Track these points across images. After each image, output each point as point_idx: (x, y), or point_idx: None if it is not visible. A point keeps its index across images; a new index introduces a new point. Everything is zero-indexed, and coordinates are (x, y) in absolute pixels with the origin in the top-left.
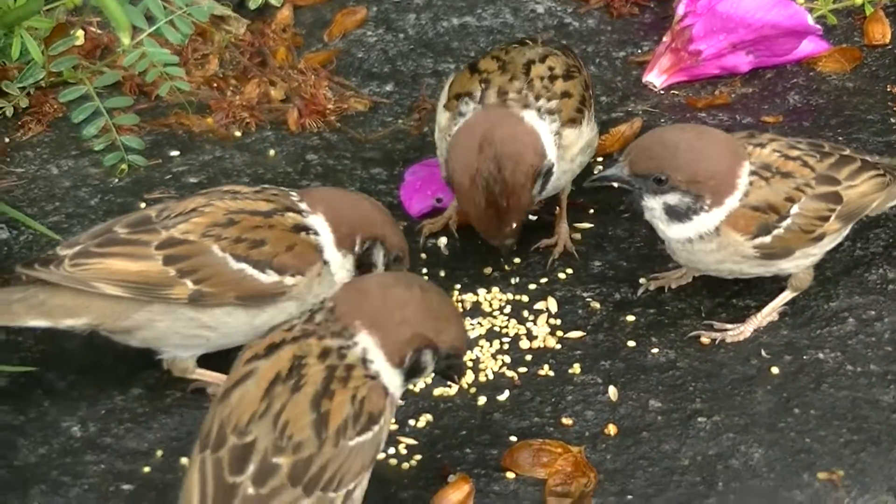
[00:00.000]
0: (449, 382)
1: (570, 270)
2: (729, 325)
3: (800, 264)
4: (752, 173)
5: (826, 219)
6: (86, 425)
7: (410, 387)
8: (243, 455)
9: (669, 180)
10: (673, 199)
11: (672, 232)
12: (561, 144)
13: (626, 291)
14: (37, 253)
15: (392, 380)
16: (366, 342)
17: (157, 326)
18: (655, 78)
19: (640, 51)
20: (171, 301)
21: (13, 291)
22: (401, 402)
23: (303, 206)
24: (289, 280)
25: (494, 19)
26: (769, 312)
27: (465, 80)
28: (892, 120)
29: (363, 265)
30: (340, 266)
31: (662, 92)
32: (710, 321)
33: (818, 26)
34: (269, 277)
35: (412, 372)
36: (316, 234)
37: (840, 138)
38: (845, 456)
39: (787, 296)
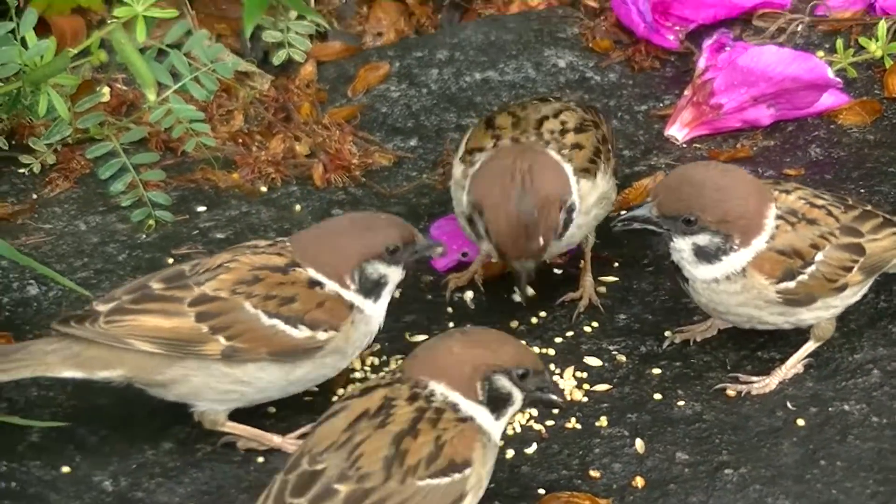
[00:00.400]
0: (551, 405)
1: (595, 324)
2: (754, 378)
3: (820, 315)
4: (779, 217)
5: (849, 269)
6: (117, 480)
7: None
8: (309, 481)
9: (699, 221)
10: (703, 239)
11: (700, 273)
12: (578, 194)
13: (651, 344)
14: (66, 308)
15: (484, 418)
16: (440, 388)
17: (192, 381)
18: (677, 131)
19: (661, 104)
20: (205, 357)
21: (48, 342)
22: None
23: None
24: (321, 335)
25: (517, 74)
26: (794, 364)
27: (479, 135)
28: None
29: (366, 286)
30: (361, 302)
31: (685, 145)
32: (735, 374)
33: (838, 79)
34: (302, 333)
35: (498, 403)
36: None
37: (862, 191)
38: None
39: (810, 346)
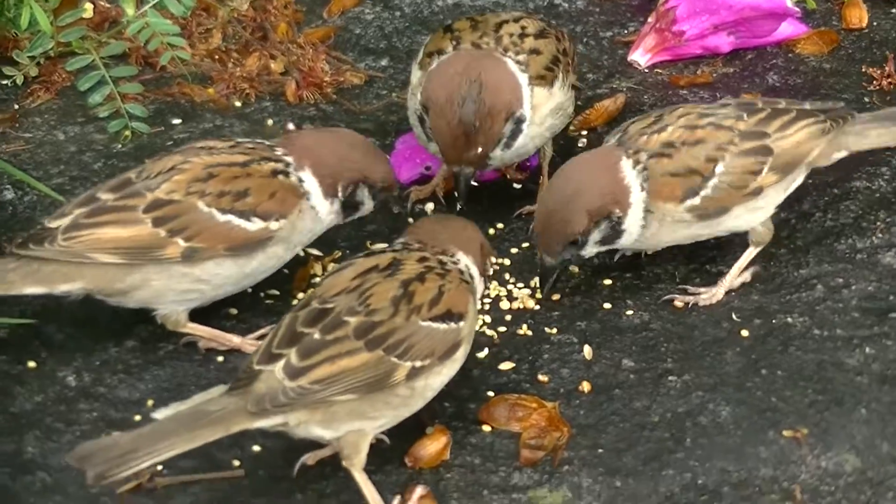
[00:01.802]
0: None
1: None
2: (702, 289)
3: (750, 220)
4: (652, 156)
5: (758, 172)
6: (80, 375)
7: None
8: (319, 315)
9: (579, 235)
10: (596, 236)
11: (625, 242)
12: (532, 104)
13: (603, 256)
14: (40, 214)
15: (479, 286)
16: (464, 259)
17: (153, 285)
18: (640, 57)
19: (626, 31)
20: (165, 261)
21: (7, 262)
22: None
23: (289, 159)
24: (273, 224)
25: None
26: (738, 272)
27: (438, 39)
28: (866, 99)
29: (349, 206)
30: (328, 212)
31: (647, 70)
32: (683, 286)
33: (797, 9)
34: (255, 225)
35: (487, 277)
36: (300, 180)
37: None
38: (810, 415)
39: (751, 252)
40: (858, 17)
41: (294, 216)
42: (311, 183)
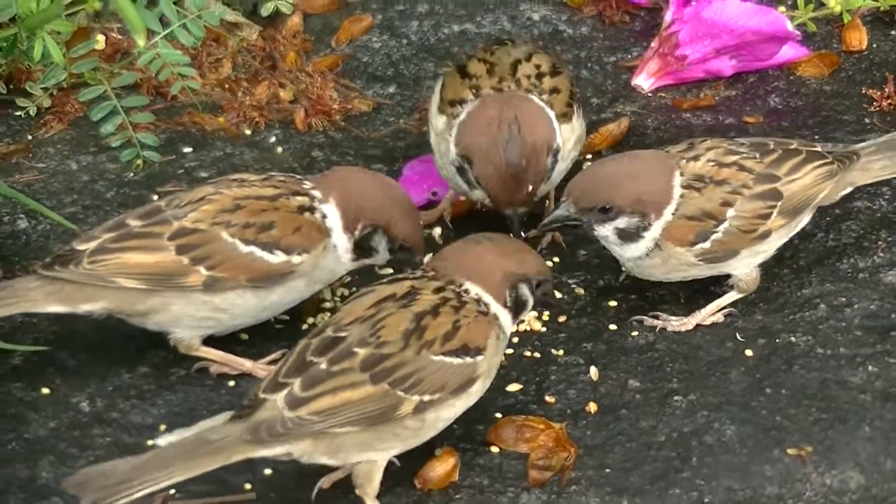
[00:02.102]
0: (552, 306)
1: (556, 259)
2: (673, 318)
3: (752, 262)
4: (685, 186)
5: (767, 216)
6: (94, 401)
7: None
8: (331, 344)
9: (615, 207)
10: (622, 222)
11: (626, 252)
12: (562, 138)
13: (609, 278)
14: (53, 242)
15: (505, 319)
16: (475, 289)
17: (172, 310)
18: (644, 81)
19: (629, 56)
20: (186, 288)
21: (30, 280)
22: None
23: (316, 193)
24: (296, 258)
25: (493, 26)
26: (714, 309)
27: (456, 86)
28: (867, 120)
29: (362, 249)
30: (346, 249)
31: (650, 94)
32: (656, 312)
33: (797, 32)
34: (278, 258)
35: (518, 307)
36: (324, 216)
37: (816, 137)
38: (814, 433)
39: (732, 296)
40: (858, 39)
41: (317, 252)
42: (333, 217)
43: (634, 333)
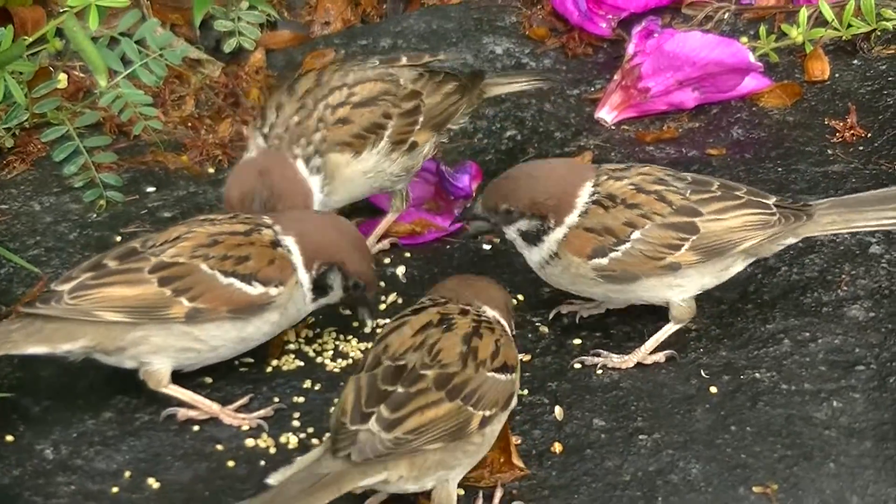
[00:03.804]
0: None
1: (521, 297)
2: (615, 356)
3: (667, 294)
4: (595, 201)
5: (676, 248)
6: (58, 448)
7: None
8: (396, 372)
9: (515, 209)
10: (524, 224)
11: (531, 255)
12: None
13: (572, 316)
14: (17, 285)
15: None
16: (491, 312)
17: (153, 341)
18: (607, 114)
19: (592, 88)
20: (169, 320)
21: (10, 322)
22: None
23: (277, 227)
24: (273, 290)
25: (455, 60)
26: (653, 345)
27: (277, 94)
28: (830, 152)
29: (320, 288)
30: (307, 287)
31: (613, 127)
32: (597, 350)
33: (759, 63)
34: (256, 289)
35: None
36: (289, 251)
37: (780, 169)
38: (779, 470)
39: (669, 328)
40: (821, 69)
41: (291, 284)
42: (296, 254)
43: (599, 372)
